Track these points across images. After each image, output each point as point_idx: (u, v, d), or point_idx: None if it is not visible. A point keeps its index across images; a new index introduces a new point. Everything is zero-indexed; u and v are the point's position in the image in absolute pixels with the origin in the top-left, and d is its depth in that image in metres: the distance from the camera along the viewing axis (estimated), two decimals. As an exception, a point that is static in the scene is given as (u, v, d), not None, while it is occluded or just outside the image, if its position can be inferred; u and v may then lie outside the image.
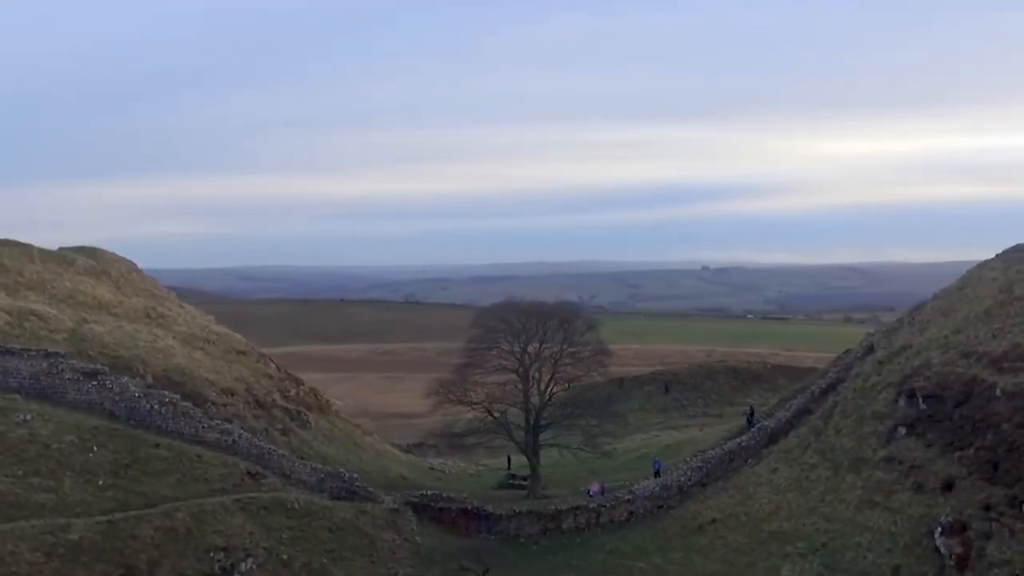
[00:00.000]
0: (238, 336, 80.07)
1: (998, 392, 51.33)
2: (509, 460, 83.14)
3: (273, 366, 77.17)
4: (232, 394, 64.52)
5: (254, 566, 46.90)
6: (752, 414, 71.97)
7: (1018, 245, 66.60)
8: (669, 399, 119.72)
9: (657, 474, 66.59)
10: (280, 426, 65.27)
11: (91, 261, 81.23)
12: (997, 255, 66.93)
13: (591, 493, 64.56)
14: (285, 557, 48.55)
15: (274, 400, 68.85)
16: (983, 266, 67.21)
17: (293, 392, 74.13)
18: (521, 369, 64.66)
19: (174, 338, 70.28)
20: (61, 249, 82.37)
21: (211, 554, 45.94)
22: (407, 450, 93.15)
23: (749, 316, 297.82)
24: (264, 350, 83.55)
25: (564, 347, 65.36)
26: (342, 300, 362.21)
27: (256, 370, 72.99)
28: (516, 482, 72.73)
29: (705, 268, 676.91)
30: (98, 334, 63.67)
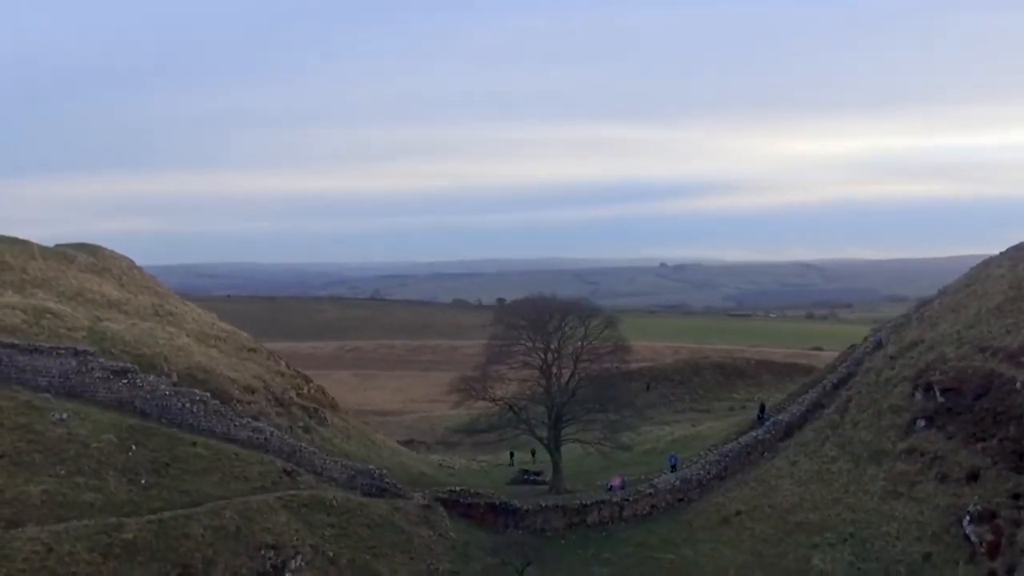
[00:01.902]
0: (245, 334, 79.69)
1: (1018, 385, 53.14)
2: (512, 456, 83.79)
3: (283, 363, 76.99)
4: (253, 392, 64.34)
5: (303, 563, 47.08)
6: (763, 409, 73.32)
7: (1022, 243, 68.83)
8: (655, 395, 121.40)
9: (674, 468, 67.74)
10: (301, 423, 65.25)
11: (91, 258, 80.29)
12: (1002, 253, 69.07)
13: (611, 487, 65.53)
14: (331, 554, 48.80)
15: (291, 398, 68.75)
16: (989, 263, 69.31)
17: (304, 389, 74.00)
18: (544, 365, 65.31)
19: (187, 336, 69.84)
20: (58, 246, 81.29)
21: (262, 552, 46.07)
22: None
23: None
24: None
25: (584, 343, 66.12)
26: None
27: (269, 367, 72.78)
28: (529, 477, 73.38)
29: (664, 265, 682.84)
30: (117, 332, 63.05)
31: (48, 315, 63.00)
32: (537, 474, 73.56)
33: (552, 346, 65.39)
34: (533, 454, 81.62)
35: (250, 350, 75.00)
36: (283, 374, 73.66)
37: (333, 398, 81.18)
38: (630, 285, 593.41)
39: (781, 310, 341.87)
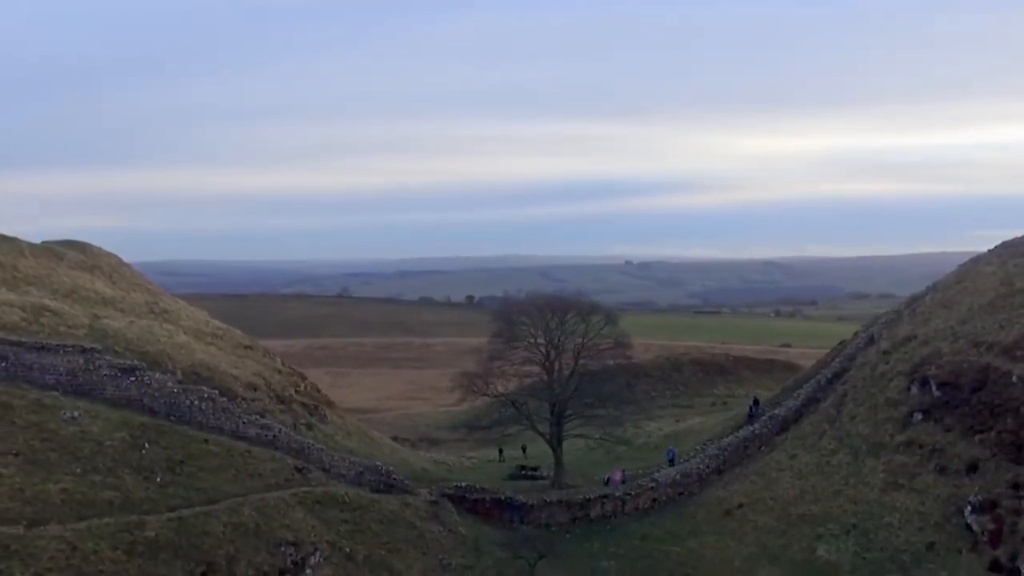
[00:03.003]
0: (239, 331, 79.35)
1: (1014, 379, 54.74)
2: (501, 452, 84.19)
3: (278, 360, 76.74)
4: (255, 389, 64.11)
5: (322, 559, 47.27)
6: (757, 404, 74.42)
7: (1010, 240, 70.70)
8: (636, 392, 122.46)
9: (672, 463, 68.64)
10: (304, 421, 65.14)
11: (80, 255, 79.36)
12: (991, 250, 70.91)
13: (612, 482, 66.25)
14: (348, 550, 49.00)
15: (291, 395, 68.56)
16: (978, 260, 71.10)
17: (301, 387, 73.80)
18: (546, 361, 65.93)
19: (185, 333, 69.38)
20: (45, 243, 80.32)
21: (282, 548, 46.17)
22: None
23: (771, 314, 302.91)
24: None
25: (584, 340, 66.83)
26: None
27: (266, 365, 72.52)
28: (527, 472, 73.87)
29: (629, 263, 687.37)
30: (118, 330, 62.55)
31: (47, 313, 62.31)
32: (534, 469, 74.08)
33: (554, 342, 65.99)
34: (524, 450, 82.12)
35: (246, 347, 74.71)
36: (280, 371, 73.41)
37: (327, 396, 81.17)
38: (596, 283, 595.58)
39: (750, 307, 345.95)
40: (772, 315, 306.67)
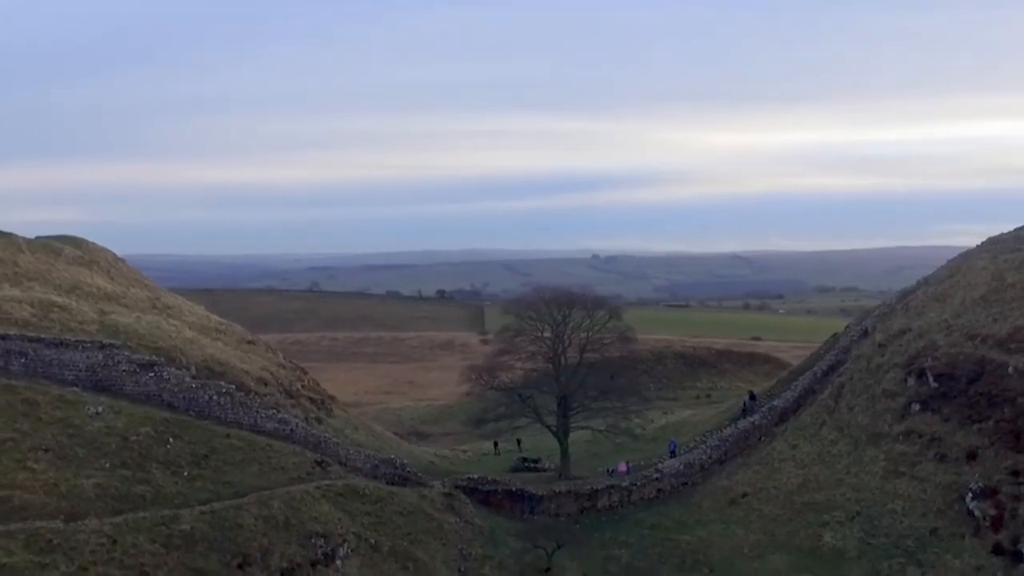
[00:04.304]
0: (240, 326, 79.62)
1: (1010, 370, 56.95)
2: (496, 445, 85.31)
3: (280, 355, 77.19)
4: (266, 384, 64.68)
5: (349, 551, 48.07)
6: (753, 399, 76.03)
7: (996, 236, 73.07)
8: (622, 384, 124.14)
9: (673, 454, 70.13)
10: (314, 415, 65.85)
11: (77, 251, 79.10)
12: (980, 245, 73.23)
13: (617, 472, 67.60)
14: (373, 541, 49.82)
15: (298, 389, 69.25)
16: (968, 255, 73.43)
17: (305, 381, 74.40)
18: (553, 355, 67.10)
19: (190, 329, 69.64)
20: (39, 238, 79.91)
21: (312, 540, 46.87)
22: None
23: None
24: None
25: (589, 334, 68.07)
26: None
27: (270, 360, 72.99)
28: (528, 464, 75.03)
29: (595, 256, 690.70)
30: (128, 325, 62.69)
31: (56, 309, 62.29)
32: (536, 461, 75.26)
33: (560, 336, 67.15)
34: (519, 443, 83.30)
35: (249, 342, 75.10)
36: (284, 366, 73.94)
37: (327, 390, 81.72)
38: (562, 276, 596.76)
39: (718, 301, 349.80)
40: (742, 308, 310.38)
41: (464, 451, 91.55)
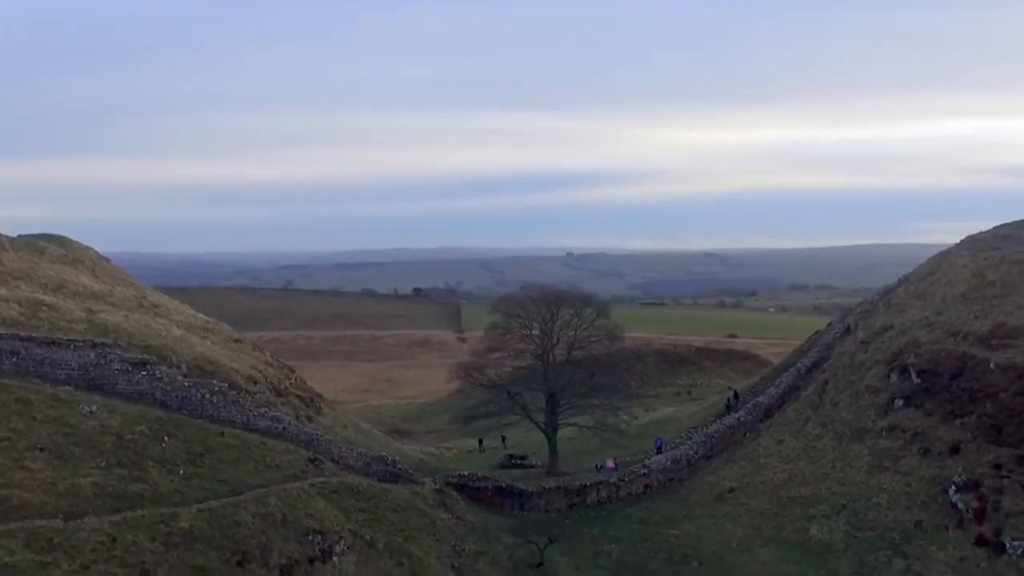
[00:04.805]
0: (226, 325, 79.50)
1: (992, 366, 58.23)
2: (480, 442, 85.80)
3: (267, 354, 77.14)
4: (256, 382, 64.67)
5: (346, 547, 48.34)
6: (737, 397, 76.96)
7: (975, 235, 74.58)
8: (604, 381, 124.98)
9: (659, 450, 70.96)
10: (304, 413, 65.88)
11: (61, 249, 78.60)
12: (959, 243, 74.66)
13: (605, 468, 68.29)
14: (368, 538, 50.13)
15: (287, 387, 69.27)
16: (948, 254, 74.87)
17: (292, 379, 74.41)
18: (542, 353, 67.66)
19: (178, 327, 69.43)
20: (21, 236, 79.33)
21: (309, 537, 47.10)
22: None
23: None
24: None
25: (577, 332, 68.71)
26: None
27: (258, 358, 72.91)
28: (515, 461, 75.57)
29: (570, 254, 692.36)
30: (117, 324, 62.43)
31: (43, 308, 61.91)
32: (523, 458, 75.82)
33: (549, 333, 67.74)
34: (503, 440, 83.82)
35: (236, 341, 74.99)
36: (271, 364, 73.90)
37: (314, 388, 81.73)
38: (537, 274, 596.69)
39: (693, 298, 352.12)
40: (717, 306, 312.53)
41: (449, 448, 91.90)
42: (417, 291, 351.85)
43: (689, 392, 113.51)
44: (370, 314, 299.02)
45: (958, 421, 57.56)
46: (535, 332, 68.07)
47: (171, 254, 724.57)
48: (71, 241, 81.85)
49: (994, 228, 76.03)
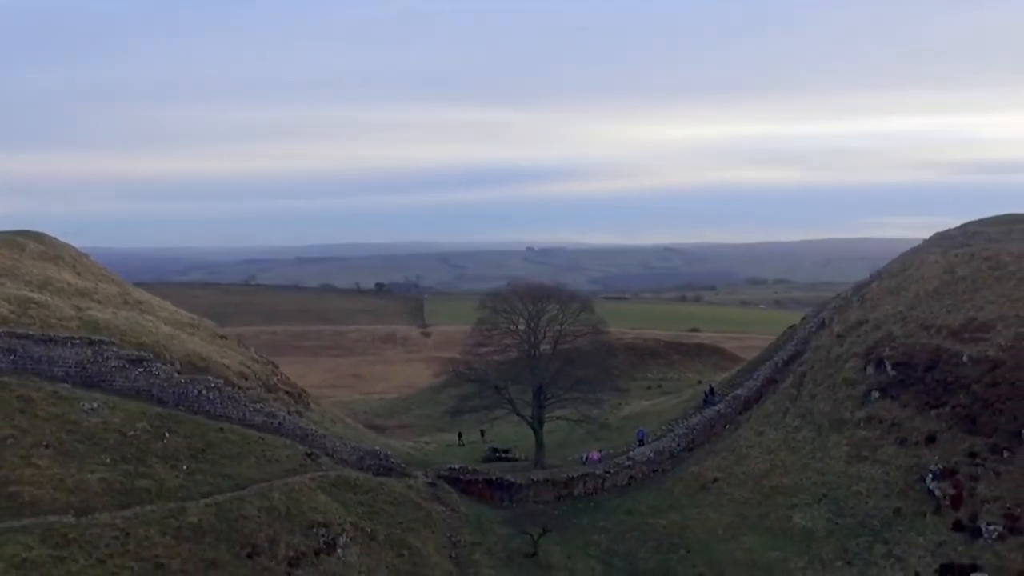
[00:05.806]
0: (210, 321, 79.70)
1: (964, 359, 60.62)
2: (460, 436, 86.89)
3: (252, 350, 77.50)
4: (246, 378, 65.16)
5: (348, 540, 49.25)
6: (712, 392, 78.76)
7: (945, 232, 77.21)
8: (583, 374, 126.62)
9: (641, 442, 72.61)
10: (294, 408, 66.48)
11: (40, 245, 78.17)
12: (929, 240, 77.21)
13: (589, 461, 69.77)
14: (369, 530, 51.10)
15: (275, 383, 69.77)
16: (919, 250, 77.38)
17: (278, 375, 74.88)
18: (528, 347, 68.93)
19: (165, 324, 69.63)
20: (1, 233, 78.79)
21: (314, 530, 48.03)
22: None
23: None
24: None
25: (562, 327, 70.11)
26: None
27: (244, 354, 73.34)
28: (500, 455, 76.77)
29: (530, 249, 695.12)
30: (108, 321, 62.54)
31: (33, 305, 61.80)
32: (506, 451, 77.03)
33: (535, 328, 69.04)
34: (482, 434, 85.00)
35: (221, 337, 75.31)
36: (258, 361, 74.34)
37: (299, 384, 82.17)
38: (497, 269, 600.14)
39: (654, 292, 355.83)
40: (679, 300, 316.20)
41: (427, 443, 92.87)
42: (379, 286, 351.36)
43: (660, 386, 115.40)
44: (333, 309, 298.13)
45: (933, 412, 59.84)
46: (521, 327, 69.30)
47: (126, 248, 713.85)
48: (49, 237, 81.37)
49: (962, 225, 78.78)
